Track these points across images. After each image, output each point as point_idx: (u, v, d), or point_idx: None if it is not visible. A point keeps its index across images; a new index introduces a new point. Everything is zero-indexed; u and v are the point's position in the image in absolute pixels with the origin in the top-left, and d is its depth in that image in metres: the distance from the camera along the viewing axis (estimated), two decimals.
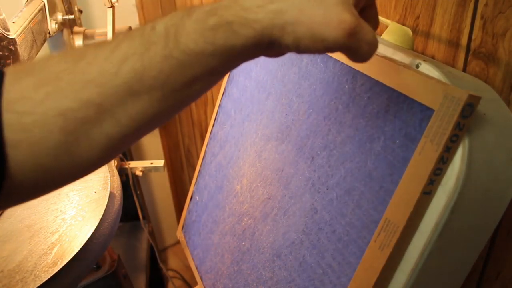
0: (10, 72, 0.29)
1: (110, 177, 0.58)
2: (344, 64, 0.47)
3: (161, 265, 1.22)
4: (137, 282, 1.15)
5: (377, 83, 0.42)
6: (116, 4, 0.90)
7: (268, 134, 0.60)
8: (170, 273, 1.60)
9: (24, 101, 0.28)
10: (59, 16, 0.92)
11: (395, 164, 0.39)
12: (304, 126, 0.52)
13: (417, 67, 0.41)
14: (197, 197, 0.80)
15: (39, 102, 0.28)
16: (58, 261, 0.46)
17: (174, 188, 1.71)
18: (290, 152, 0.54)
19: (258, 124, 0.63)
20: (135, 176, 1.09)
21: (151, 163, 1.07)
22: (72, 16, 0.97)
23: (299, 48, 0.30)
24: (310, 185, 0.50)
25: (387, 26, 0.49)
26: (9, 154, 0.28)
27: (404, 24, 0.53)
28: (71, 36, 1.02)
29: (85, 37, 1.04)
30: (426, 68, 0.40)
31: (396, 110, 0.40)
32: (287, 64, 0.58)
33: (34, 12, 0.75)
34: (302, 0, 0.29)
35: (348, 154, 0.45)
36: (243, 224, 0.63)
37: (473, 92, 0.33)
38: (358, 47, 0.30)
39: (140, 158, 1.59)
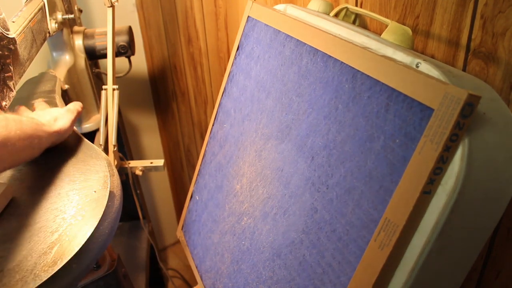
0: None
1: (110, 176, 0.58)
2: (344, 63, 0.47)
3: (161, 264, 1.22)
4: (137, 281, 1.15)
5: (377, 82, 0.42)
6: (116, 4, 0.90)
7: (268, 133, 0.60)
8: (170, 273, 1.61)
9: None
10: (59, 16, 0.92)
11: (395, 164, 0.39)
12: (304, 125, 0.52)
13: (417, 66, 0.41)
14: (197, 196, 0.80)
15: None
16: (58, 260, 0.46)
17: (174, 187, 1.71)
18: (290, 151, 0.54)
19: (258, 123, 0.63)
20: (135, 176, 1.09)
21: (151, 163, 1.07)
22: (72, 16, 0.97)
23: None
24: (310, 185, 0.50)
25: (387, 26, 0.49)
26: None
27: (404, 24, 0.53)
28: (71, 35, 1.02)
29: (85, 36, 1.04)
30: (426, 67, 0.40)
31: (396, 110, 0.40)
32: (287, 64, 0.58)
33: (34, 12, 0.75)
34: None
35: (348, 153, 0.45)
36: (243, 223, 0.63)
37: (473, 92, 0.33)
38: None
39: (140, 157, 1.59)
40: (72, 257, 0.47)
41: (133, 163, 1.06)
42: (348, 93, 0.46)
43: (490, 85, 0.44)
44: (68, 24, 0.99)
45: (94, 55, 1.06)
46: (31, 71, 0.76)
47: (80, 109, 0.68)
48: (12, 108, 0.68)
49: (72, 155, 0.63)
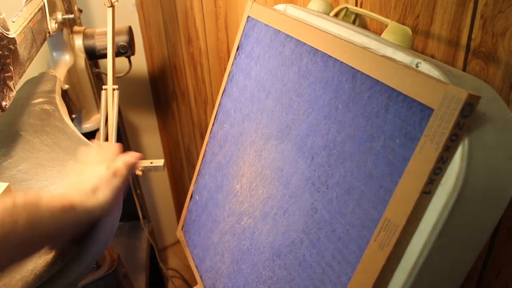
0: None
1: None
2: (344, 63, 0.47)
3: (161, 264, 1.22)
4: (137, 281, 1.15)
5: (377, 82, 0.42)
6: (116, 4, 0.90)
7: (268, 133, 0.60)
8: (170, 273, 1.61)
9: None
10: (59, 16, 0.92)
11: (395, 164, 0.39)
12: (304, 125, 0.52)
13: (417, 66, 0.41)
14: (197, 196, 0.80)
15: None
16: (58, 260, 0.46)
17: (174, 187, 1.71)
18: (290, 151, 0.54)
19: (258, 123, 0.63)
20: (135, 176, 1.09)
21: (151, 163, 1.07)
22: (72, 16, 0.97)
23: None
24: (310, 185, 0.50)
25: (387, 26, 0.49)
26: None
27: (404, 24, 0.53)
28: (71, 35, 1.02)
29: (85, 36, 1.04)
30: (426, 67, 0.40)
31: (396, 110, 0.40)
32: (287, 64, 0.58)
33: (34, 12, 0.75)
34: None
35: (348, 153, 0.45)
36: (243, 223, 0.63)
37: (473, 92, 0.33)
38: None
39: None
40: (72, 257, 0.47)
41: None
42: (348, 93, 0.46)
43: (490, 85, 0.44)
44: (68, 24, 0.99)
45: (94, 55, 1.06)
46: (31, 71, 0.76)
47: (137, 164, 0.51)
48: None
49: (72, 155, 0.64)
